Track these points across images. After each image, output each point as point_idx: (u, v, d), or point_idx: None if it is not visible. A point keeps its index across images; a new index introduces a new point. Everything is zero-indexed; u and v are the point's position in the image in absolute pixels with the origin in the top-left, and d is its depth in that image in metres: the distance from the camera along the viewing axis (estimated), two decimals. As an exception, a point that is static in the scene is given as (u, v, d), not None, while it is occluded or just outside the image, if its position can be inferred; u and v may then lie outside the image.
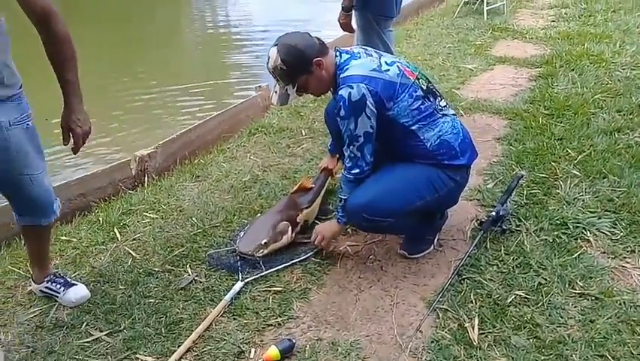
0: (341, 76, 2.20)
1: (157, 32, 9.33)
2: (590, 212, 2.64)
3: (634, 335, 1.95)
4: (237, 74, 6.76)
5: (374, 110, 2.15)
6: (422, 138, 2.23)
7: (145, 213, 2.97)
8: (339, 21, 3.44)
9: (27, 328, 2.22)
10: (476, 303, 2.15)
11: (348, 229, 2.63)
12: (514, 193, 2.75)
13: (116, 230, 2.83)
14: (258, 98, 4.47)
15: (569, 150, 3.23)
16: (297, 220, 2.58)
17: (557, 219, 2.60)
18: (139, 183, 3.41)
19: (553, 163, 3.10)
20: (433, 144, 2.24)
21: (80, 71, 2.00)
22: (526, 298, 2.16)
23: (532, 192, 2.85)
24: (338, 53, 2.26)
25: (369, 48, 2.37)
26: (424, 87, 2.28)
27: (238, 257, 2.48)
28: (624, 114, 3.65)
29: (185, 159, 3.71)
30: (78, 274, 2.51)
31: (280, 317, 2.17)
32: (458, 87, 4.44)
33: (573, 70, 4.57)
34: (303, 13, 9.16)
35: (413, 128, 2.22)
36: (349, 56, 2.25)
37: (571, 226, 2.55)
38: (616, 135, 3.37)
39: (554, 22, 6.35)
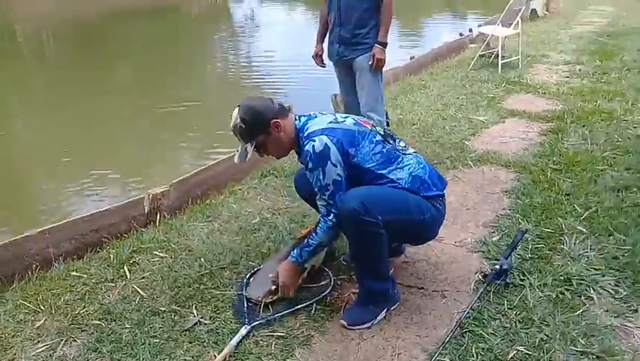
0: (303, 136, 2.37)
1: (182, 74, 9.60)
2: (595, 269, 2.66)
3: (634, 397, 1.95)
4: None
5: (339, 158, 2.28)
6: (395, 179, 2.35)
7: (155, 252, 3.03)
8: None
9: (34, 364, 2.27)
10: (477, 357, 2.16)
11: (353, 275, 2.66)
12: (518, 247, 2.77)
13: (125, 268, 2.89)
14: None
15: (576, 206, 3.26)
16: (305, 266, 2.62)
17: (561, 275, 2.61)
18: (151, 220, 3.49)
19: (559, 218, 3.13)
20: (407, 181, 2.35)
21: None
22: (527, 354, 2.16)
23: (537, 246, 2.88)
24: (297, 117, 2.45)
25: (323, 111, 2.57)
26: (382, 132, 2.44)
27: (245, 301, 2.52)
28: (633, 172, 3.68)
29: (198, 198, 3.79)
30: (86, 311, 2.56)
31: (282, 363, 2.19)
32: (469, 139, 4.51)
33: (584, 126, 4.63)
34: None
35: (382, 172, 2.35)
36: (307, 117, 2.45)
37: (574, 283, 2.56)
38: (623, 193, 3.40)
39: (568, 78, 6.45)
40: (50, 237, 3.10)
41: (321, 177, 2.29)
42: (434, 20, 14.55)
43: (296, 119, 2.44)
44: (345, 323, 2.37)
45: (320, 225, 2.39)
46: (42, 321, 2.51)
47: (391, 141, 2.44)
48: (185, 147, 5.92)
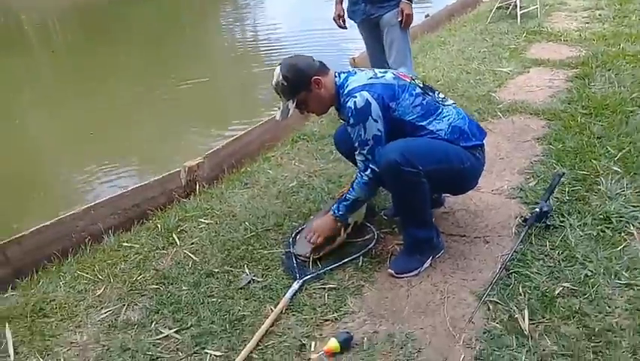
0: (344, 92, 2.41)
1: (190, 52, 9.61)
2: (633, 206, 2.70)
3: (682, 322, 2.01)
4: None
5: (380, 113, 2.32)
6: (435, 130, 2.39)
7: (200, 220, 3.13)
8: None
9: (100, 328, 2.39)
10: (525, 295, 2.24)
11: (395, 228, 2.74)
12: (555, 190, 2.82)
13: (174, 235, 2.99)
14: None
15: (609, 148, 3.28)
16: (348, 222, 2.70)
17: (600, 214, 2.66)
18: (190, 191, 3.59)
19: (593, 161, 3.16)
20: (447, 132, 2.39)
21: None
22: (573, 289, 2.24)
23: (574, 189, 2.92)
24: (337, 74, 2.49)
25: (362, 68, 2.61)
26: (421, 85, 2.47)
27: (294, 258, 2.61)
28: (663, 111, 3.69)
29: (232, 168, 3.88)
30: (143, 277, 2.68)
31: (336, 312, 2.29)
32: (495, 90, 4.51)
33: (610, 70, 4.60)
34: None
35: (422, 123, 2.39)
36: (347, 74, 2.48)
37: (614, 220, 2.61)
38: (655, 132, 3.41)
39: (588, 24, 6.37)
40: (95, 213, 3.22)
41: (362, 133, 2.33)
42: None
43: (336, 76, 2.48)
44: (393, 272, 2.46)
45: (357, 179, 2.45)
46: (102, 289, 2.63)
47: (430, 93, 2.47)
48: (202, 126, 5.97)
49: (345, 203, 2.50)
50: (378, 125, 2.33)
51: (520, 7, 6.75)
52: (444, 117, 2.42)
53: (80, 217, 3.17)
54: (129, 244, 2.99)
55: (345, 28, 3.98)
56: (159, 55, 9.13)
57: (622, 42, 5.29)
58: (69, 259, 2.93)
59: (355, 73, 2.48)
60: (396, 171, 2.28)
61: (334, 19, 3.97)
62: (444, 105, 2.47)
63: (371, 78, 2.41)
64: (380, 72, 2.48)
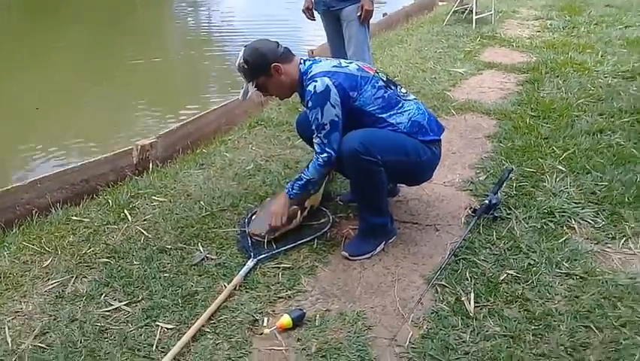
0: (307, 78, 2.46)
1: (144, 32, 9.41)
2: (575, 203, 2.84)
3: (615, 309, 2.14)
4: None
5: (338, 99, 2.38)
6: (395, 123, 2.46)
7: (153, 197, 3.09)
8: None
9: (47, 298, 2.34)
10: (471, 280, 2.33)
11: (350, 213, 2.79)
12: (504, 185, 2.94)
13: (126, 211, 2.95)
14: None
15: (555, 148, 3.44)
16: (305, 205, 2.73)
17: (545, 209, 2.79)
18: (142, 170, 3.53)
19: (540, 159, 3.30)
20: (406, 125, 2.46)
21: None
22: (517, 276, 2.34)
23: (520, 184, 3.04)
24: (302, 61, 2.53)
25: (328, 57, 2.69)
26: (384, 79, 2.53)
27: (249, 237, 2.62)
28: (606, 117, 3.88)
29: (187, 149, 3.84)
30: (93, 251, 2.63)
31: (290, 290, 2.32)
32: (450, 89, 4.64)
33: (558, 76, 4.81)
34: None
35: (383, 115, 2.46)
36: (311, 61, 2.53)
37: (557, 215, 2.74)
38: (598, 136, 3.59)
39: (539, 32, 6.61)
40: (41, 186, 3.13)
41: (319, 116, 2.38)
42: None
43: (301, 63, 2.51)
44: (347, 254, 2.51)
45: (312, 161, 2.50)
46: (49, 261, 2.57)
47: (393, 87, 2.53)
48: (153, 107, 5.84)
49: (299, 183, 2.55)
50: (336, 111, 2.38)
51: (476, 12, 6.95)
52: (404, 111, 2.48)
53: (25, 190, 3.07)
54: (78, 218, 2.92)
55: (313, 19, 4.01)
56: (111, 34, 8.90)
57: (570, 51, 5.53)
58: (14, 230, 2.84)
59: (320, 61, 2.53)
60: (356, 160, 2.34)
61: (303, 10, 3.99)
62: (405, 100, 2.53)
63: (335, 67, 2.47)
64: (345, 62, 2.54)
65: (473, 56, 5.63)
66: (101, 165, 3.42)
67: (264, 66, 2.45)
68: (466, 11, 7.22)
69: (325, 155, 2.43)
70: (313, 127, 2.43)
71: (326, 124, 2.38)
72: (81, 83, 6.47)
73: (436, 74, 5.04)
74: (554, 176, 3.10)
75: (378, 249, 2.54)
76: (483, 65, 5.32)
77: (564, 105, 4.10)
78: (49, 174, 3.23)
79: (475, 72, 5.11)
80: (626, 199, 2.84)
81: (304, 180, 2.53)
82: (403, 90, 2.60)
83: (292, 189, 2.56)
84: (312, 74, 2.45)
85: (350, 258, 2.50)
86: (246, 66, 2.47)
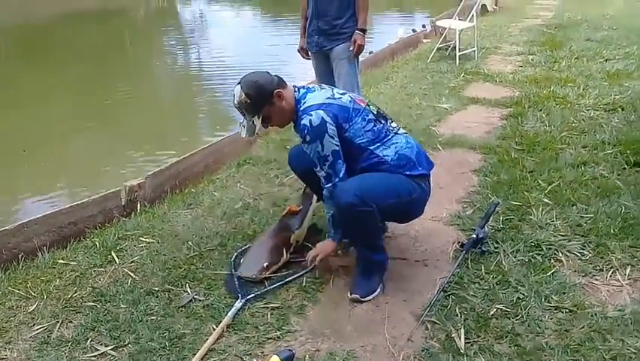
0: (301, 108, 2.47)
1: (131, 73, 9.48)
2: (561, 235, 2.86)
3: (605, 342, 2.13)
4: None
5: (334, 129, 2.40)
6: (381, 155, 2.48)
7: (141, 238, 3.08)
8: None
9: (32, 344, 2.30)
10: (461, 316, 2.32)
11: (339, 251, 2.79)
12: (491, 219, 2.95)
13: (113, 254, 2.93)
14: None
15: (540, 181, 3.47)
16: (290, 241, 2.73)
17: (532, 242, 2.81)
18: (130, 211, 3.52)
19: (525, 193, 3.33)
20: (393, 158, 2.48)
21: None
22: (506, 311, 2.34)
23: (507, 218, 3.07)
24: (296, 88, 2.54)
25: (322, 84, 2.70)
26: (375, 112, 2.56)
27: (236, 279, 2.61)
28: (589, 150, 3.94)
29: (175, 189, 3.84)
30: (79, 294, 2.60)
31: (279, 330, 2.30)
32: (435, 125, 4.70)
33: (541, 110, 4.89)
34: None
35: (371, 147, 2.48)
36: (305, 90, 2.54)
37: (544, 248, 2.76)
38: (582, 168, 3.64)
39: (522, 67, 6.75)
40: (28, 230, 3.10)
41: (319, 149, 2.39)
42: (385, 17, 14.81)
43: (295, 90, 2.53)
44: (359, 296, 2.48)
45: (324, 197, 2.53)
46: (34, 306, 2.54)
47: (383, 121, 2.55)
48: (140, 147, 5.82)
49: (330, 224, 2.58)
50: (336, 141, 2.40)
51: (459, 49, 7.09)
52: (392, 144, 2.51)
53: (12, 233, 3.04)
54: (65, 262, 2.89)
55: (308, 58, 4.06)
56: (100, 75, 8.97)
57: (552, 85, 5.64)
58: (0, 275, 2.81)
59: (314, 90, 2.54)
60: (352, 212, 2.36)
61: (298, 50, 4.07)
62: (395, 133, 2.55)
63: (328, 98, 2.48)
64: (338, 93, 2.55)
65: (457, 91, 5.73)
66: (88, 206, 3.41)
67: (266, 95, 2.44)
68: (450, 48, 7.37)
69: (330, 185, 2.45)
70: (315, 160, 2.43)
71: (328, 155, 2.40)
72: (69, 123, 6.48)
73: (421, 110, 5.11)
74: (540, 209, 3.12)
75: (381, 286, 2.54)
76: (467, 100, 5.40)
77: (548, 138, 4.17)
78: (37, 217, 3.20)
79: (459, 107, 5.19)
80: (612, 231, 2.87)
81: (330, 219, 2.57)
82: (394, 124, 2.62)
83: (335, 234, 2.59)
84: (306, 105, 2.45)
85: (362, 300, 2.47)
86: (248, 100, 2.44)
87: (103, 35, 13.14)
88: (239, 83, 2.48)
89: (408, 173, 2.49)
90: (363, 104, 2.54)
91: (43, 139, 5.92)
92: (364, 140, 2.47)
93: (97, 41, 12.42)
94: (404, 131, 2.65)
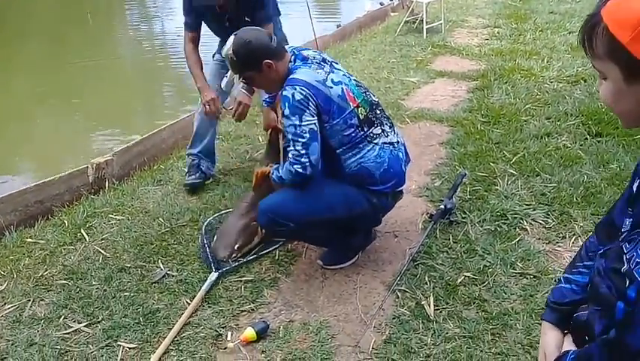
0: (288, 77, 2.26)
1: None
2: (526, 205, 2.95)
3: (567, 305, 2.22)
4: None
5: (315, 112, 2.20)
6: (343, 162, 2.32)
7: (110, 215, 3.06)
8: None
9: (4, 323, 2.29)
10: (430, 284, 2.39)
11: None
12: (458, 190, 3.02)
13: (83, 231, 2.91)
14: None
15: (505, 153, 3.55)
16: (255, 172, 2.63)
17: (498, 212, 2.88)
18: (98, 189, 3.48)
19: (491, 164, 3.41)
20: (352, 169, 2.31)
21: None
22: (473, 278, 2.42)
23: (474, 189, 3.14)
24: (294, 57, 2.32)
25: (327, 58, 2.40)
26: (362, 116, 2.31)
27: (209, 253, 2.62)
28: (553, 121, 4.03)
29: (144, 166, 3.81)
30: (50, 273, 2.59)
31: (253, 303, 2.33)
32: (403, 98, 4.73)
33: (506, 83, 4.96)
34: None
35: (338, 151, 2.30)
36: (302, 62, 2.30)
37: (510, 217, 2.84)
38: (546, 139, 3.72)
39: (488, 41, 6.80)
40: (-6, 209, 3.06)
41: (297, 123, 2.17)
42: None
43: (291, 61, 2.31)
44: (322, 263, 2.54)
45: (285, 166, 2.29)
46: (4, 285, 2.53)
47: (366, 128, 2.31)
48: (106, 124, 5.70)
49: (276, 171, 2.38)
50: (315, 121, 2.20)
51: (426, 22, 7.11)
52: (359, 154, 2.30)
53: (-22, 213, 3.00)
54: (33, 240, 2.87)
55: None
56: (61, 49, 8.72)
57: (517, 58, 5.71)
58: (-30, 256, 2.77)
59: (311, 65, 2.29)
60: (271, 230, 2.41)
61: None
62: (371, 142, 2.32)
63: (318, 82, 2.23)
64: (332, 82, 2.27)
65: (425, 65, 5.76)
66: (55, 185, 3.37)
67: (254, 62, 2.25)
68: (417, 21, 7.37)
69: (299, 165, 2.20)
70: (289, 136, 2.21)
71: (305, 132, 2.17)
72: (30, 100, 6.32)
73: (389, 84, 5.13)
74: (506, 179, 3.20)
75: (351, 261, 2.57)
76: (435, 73, 5.44)
77: (513, 110, 4.24)
78: (2, 196, 3.16)
79: (427, 81, 5.23)
80: (575, 199, 2.96)
81: (276, 175, 2.36)
82: (377, 131, 2.34)
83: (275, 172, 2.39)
84: (293, 76, 2.24)
85: (325, 267, 2.53)
86: (234, 58, 2.27)
87: (60, 4, 12.73)
88: (235, 34, 2.30)
89: (366, 187, 2.34)
90: (352, 104, 2.29)
91: (3, 116, 5.77)
92: (335, 143, 2.28)
93: (54, 12, 12.03)
94: (389, 140, 2.38)
